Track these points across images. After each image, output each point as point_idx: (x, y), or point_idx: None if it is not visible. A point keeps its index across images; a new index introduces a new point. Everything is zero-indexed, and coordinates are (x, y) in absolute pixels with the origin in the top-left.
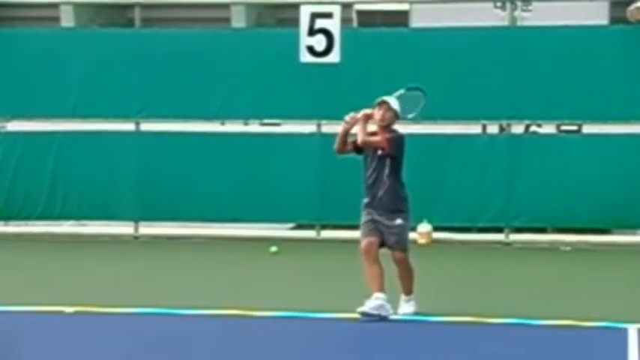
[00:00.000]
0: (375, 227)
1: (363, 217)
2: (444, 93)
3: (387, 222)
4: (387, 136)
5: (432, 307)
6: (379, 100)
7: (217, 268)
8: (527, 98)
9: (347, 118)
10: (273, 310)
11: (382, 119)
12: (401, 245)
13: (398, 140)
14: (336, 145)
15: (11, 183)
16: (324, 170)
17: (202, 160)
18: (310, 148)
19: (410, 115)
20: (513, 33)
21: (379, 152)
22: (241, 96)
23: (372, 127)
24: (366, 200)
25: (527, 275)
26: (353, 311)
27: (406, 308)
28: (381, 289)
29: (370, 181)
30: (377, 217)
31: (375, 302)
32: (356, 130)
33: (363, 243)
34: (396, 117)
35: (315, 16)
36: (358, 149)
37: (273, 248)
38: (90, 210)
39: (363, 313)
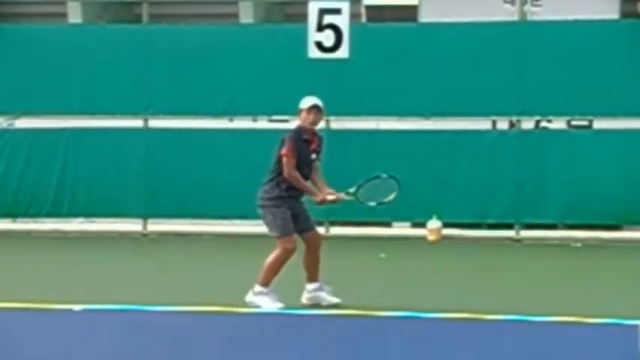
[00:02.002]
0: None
1: (286, 211)
2: (453, 88)
3: (301, 208)
4: (319, 148)
5: (441, 303)
6: (311, 104)
7: (226, 265)
8: (537, 93)
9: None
10: (281, 308)
11: (315, 122)
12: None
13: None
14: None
15: (19, 180)
16: (333, 166)
17: (210, 156)
18: None
19: (371, 203)
20: (523, 28)
21: (314, 157)
22: (249, 92)
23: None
24: (291, 193)
25: (537, 272)
26: (366, 307)
27: (334, 298)
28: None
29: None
30: (296, 210)
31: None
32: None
33: (294, 243)
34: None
35: (323, 11)
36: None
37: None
38: (98, 207)
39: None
